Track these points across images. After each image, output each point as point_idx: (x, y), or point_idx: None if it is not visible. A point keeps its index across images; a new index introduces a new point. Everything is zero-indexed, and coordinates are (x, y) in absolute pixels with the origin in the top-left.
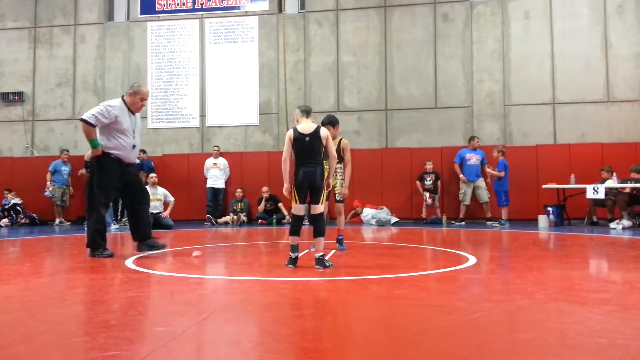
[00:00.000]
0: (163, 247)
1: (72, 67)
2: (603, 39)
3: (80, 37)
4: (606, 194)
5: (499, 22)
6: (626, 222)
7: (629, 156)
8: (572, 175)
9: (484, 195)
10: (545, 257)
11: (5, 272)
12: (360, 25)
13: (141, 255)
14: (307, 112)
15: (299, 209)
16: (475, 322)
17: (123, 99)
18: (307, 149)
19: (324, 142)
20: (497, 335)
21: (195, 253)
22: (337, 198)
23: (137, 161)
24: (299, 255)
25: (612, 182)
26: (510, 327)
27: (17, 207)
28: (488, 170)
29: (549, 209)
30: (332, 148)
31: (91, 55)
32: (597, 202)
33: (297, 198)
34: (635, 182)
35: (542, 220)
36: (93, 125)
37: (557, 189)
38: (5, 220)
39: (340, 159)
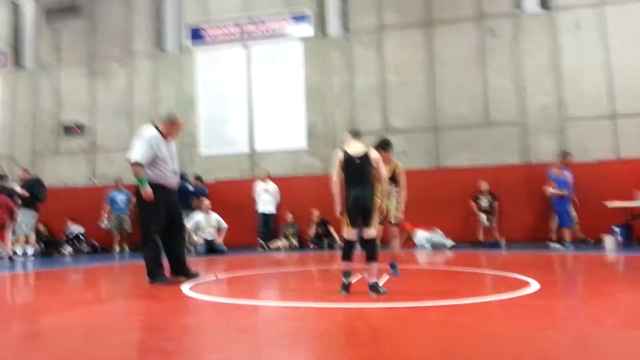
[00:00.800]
0: (196, 276)
1: (128, 98)
2: None
3: (135, 68)
4: None
5: (549, 34)
6: None
7: None
8: (639, 192)
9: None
10: (613, 281)
11: (67, 299)
12: (405, 44)
13: (197, 282)
14: (355, 134)
15: (350, 233)
16: (540, 352)
17: (157, 128)
18: (357, 172)
19: (374, 164)
20: None
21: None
22: (392, 221)
23: (191, 188)
24: (352, 281)
25: None
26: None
27: (80, 236)
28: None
29: (616, 229)
30: (384, 171)
31: (145, 85)
32: None
33: (348, 222)
34: None
35: (609, 241)
36: (142, 165)
37: (624, 207)
38: (69, 249)
39: (395, 183)
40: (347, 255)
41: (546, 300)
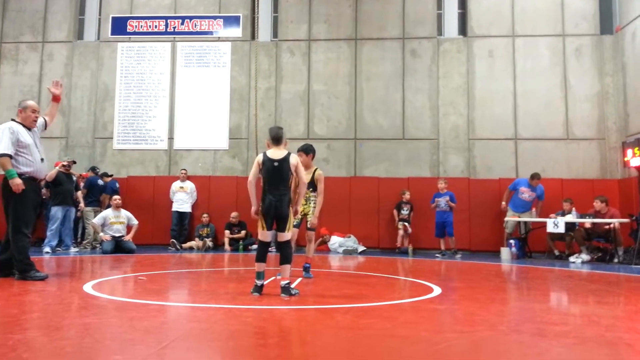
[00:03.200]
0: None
1: (37, 84)
2: (563, 80)
3: (48, 54)
4: (566, 229)
5: (464, 59)
6: (585, 256)
7: (587, 192)
8: (533, 209)
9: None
10: (507, 289)
11: None
12: (332, 56)
13: (101, 279)
14: (277, 139)
15: (265, 235)
16: (439, 353)
17: (14, 120)
18: (275, 175)
19: (292, 169)
20: None
21: (141, 278)
22: (308, 226)
23: (101, 182)
24: (265, 282)
25: (571, 217)
26: (473, 358)
27: None
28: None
29: (511, 241)
30: (303, 175)
31: (58, 73)
32: (555, 236)
33: (263, 224)
34: (592, 217)
35: (504, 252)
36: (11, 156)
37: (519, 222)
38: None
39: (314, 188)
40: (261, 257)
41: (446, 305)
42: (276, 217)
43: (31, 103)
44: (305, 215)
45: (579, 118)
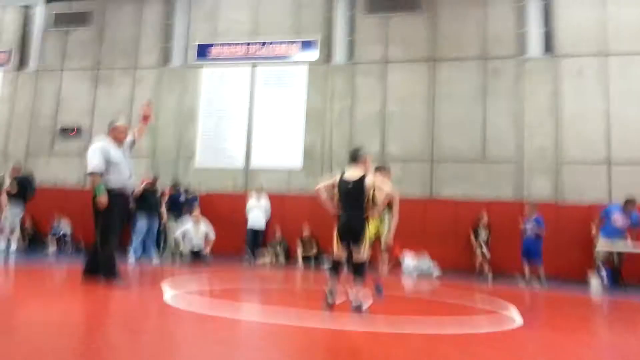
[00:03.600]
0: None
1: (129, 106)
2: None
3: (138, 79)
4: None
5: (551, 79)
6: None
7: None
8: (629, 238)
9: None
10: (595, 321)
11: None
12: (408, 77)
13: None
14: (353, 158)
15: (339, 253)
16: None
17: (105, 138)
18: (349, 196)
19: (368, 191)
20: None
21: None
22: (382, 246)
23: (182, 198)
24: (337, 302)
25: None
26: None
27: (65, 236)
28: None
29: (602, 272)
30: (379, 195)
31: (146, 96)
32: None
33: (338, 242)
34: None
35: (595, 282)
36: (101, 174)
37: (611, 252)
38: (52, 249)
39: (389, 208)
40: (334, 274)
41: (525, 336)
42: (351, 238)
43: (119, 124)
44: (379, 235)
45: None
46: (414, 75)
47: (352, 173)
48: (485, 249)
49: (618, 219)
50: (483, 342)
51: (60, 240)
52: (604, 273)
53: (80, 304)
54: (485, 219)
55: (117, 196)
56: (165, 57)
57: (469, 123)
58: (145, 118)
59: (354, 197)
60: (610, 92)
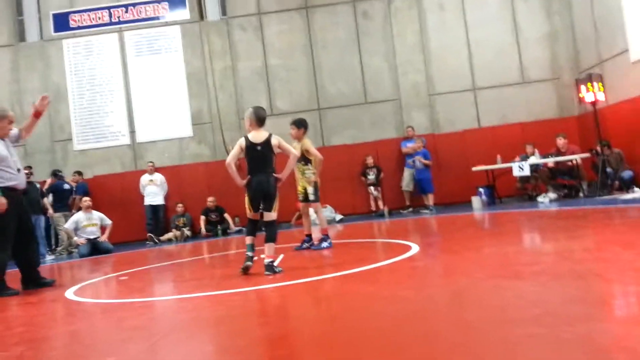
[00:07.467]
0: (52, 283)
1: None
2: (513, 24)
3: None
4: (530, 171)
5: (416, 15)
6: (552, 195)
7: (548, 132)
8: (499, 156)
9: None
10: (480, 236)
11: None
12: (284, 28)
13: (83, 284)
14: (262, 120)
15: (254, 215)
16: (423, 309)
17: None
18: (259, 159)
19: (275, 150)
20: (444, 318)
21: (123, 278)
22: (312, 198)
23: (67, 186)
24: (254, 258)
25: (535, 159)
26: (455, 308)
27: None
28: (418, 160)
29: (480, 190)
30: (289, 148)
31: (4, 79)
32: (524, 179)
33: (251, 207)
34: (554, 156)
35: (475, 201)
36: None
37: (486, 170)
38: None
39: (306, 161)
40: (250, 232)
41: (424, 261)
42: (263, 198)
43: (11, 114)
44: (305, 189)
45: (532, 60)
46: (290, 25)
47: (258, 135)
48: (374, 189)
49: None
50: (386, 272)
51: None
52: (482, 191)
53: None
54: (370, 159)
55: (8, 195)
56: (19, 32)
57: (348, 68)
58: (38, 113)
59: (262, 159)
60: (468, 22)
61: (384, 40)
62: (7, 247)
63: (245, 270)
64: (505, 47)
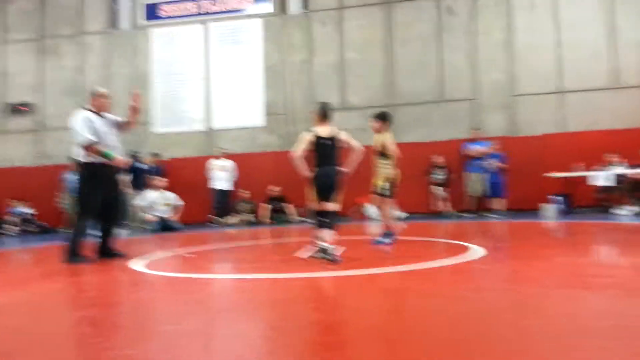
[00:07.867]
0: (124, 255)
1: (81, 77)
2: (609, 27)
3: (87, 46)
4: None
5: (504, 13)
6: (634, 208)
7: (635, 141)
8: (580, 164)
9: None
10: (552, 245)
11: (10, 278)
12: (364, 23)
13: (151, 258)
14: (327, 115)
15: (319, 207)
16: (483, 311)
17: (86, 108)
18: (327, 152)
19: (342, 144)
20: (504, 322)
21: (189, 255)
22: (384, 193)
23: (144, 167)
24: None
25: (622, 169)
26: (518, 314)
27: (29, 217)
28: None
29: (556, 197)
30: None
31: (97, 64)
32: (605, 189)
33: (318, 198)
34: None
35: (548, 209)
36: (97, 142)
37: (562, 177)
38: (15, 229)
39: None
40: (326, 225)
41: (490, 265)
42: (329, 189)
43: (102, 90)
44: (381, 184)
45: (628, 65)
46: (370, 20)
47: (325, 129)
48: (441, 190)
49: None
50: (448, 273)
51: (22, 222)
52: (557, 198)
53: (50, 284)
54: (439, 159)
55: (101, 169)
56: (113, 20)
57: (426, 64)
58: (135, 110)
59: (330, 152)
60: (560, 22)
61: (466, 37)
62: (88, 217)
63: (324, 258)
64: (599, 49)
